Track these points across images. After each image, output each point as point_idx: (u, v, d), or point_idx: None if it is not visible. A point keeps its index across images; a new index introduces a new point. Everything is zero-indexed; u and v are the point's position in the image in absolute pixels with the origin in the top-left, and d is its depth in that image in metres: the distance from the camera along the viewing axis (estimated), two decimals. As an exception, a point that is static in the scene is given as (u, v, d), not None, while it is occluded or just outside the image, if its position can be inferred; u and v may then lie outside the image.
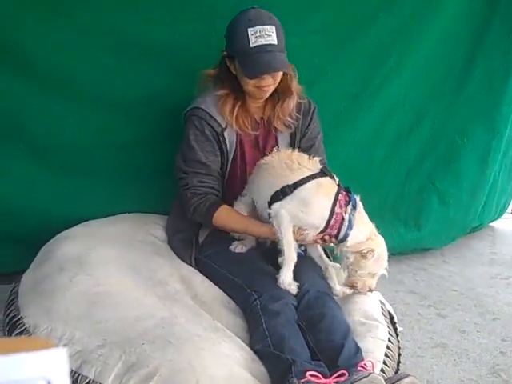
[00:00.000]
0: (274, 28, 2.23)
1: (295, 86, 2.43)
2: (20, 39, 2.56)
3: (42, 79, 2.65)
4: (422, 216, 3.65)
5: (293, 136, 2.51)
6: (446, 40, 3.37)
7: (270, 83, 2.32)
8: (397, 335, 2.32)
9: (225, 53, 2.35)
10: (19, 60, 2.59)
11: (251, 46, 2.20)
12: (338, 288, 2.38)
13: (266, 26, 2.21)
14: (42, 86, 2.65)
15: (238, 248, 2.43)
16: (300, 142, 2.53)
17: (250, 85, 2.31)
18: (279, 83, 2.38)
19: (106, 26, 2.64)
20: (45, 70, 2.64)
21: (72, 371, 1.80)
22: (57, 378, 0.66)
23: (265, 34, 2.20)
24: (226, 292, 2.30)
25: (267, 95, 2.39)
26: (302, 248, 2.38)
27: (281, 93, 2.43)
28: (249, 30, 2.20)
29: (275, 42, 2.22)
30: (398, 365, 2.18)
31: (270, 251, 2.38)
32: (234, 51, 2.29)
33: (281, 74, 2.34)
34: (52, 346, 0.67)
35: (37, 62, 2.61)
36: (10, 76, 2.59)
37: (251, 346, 1.99)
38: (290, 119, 2.47)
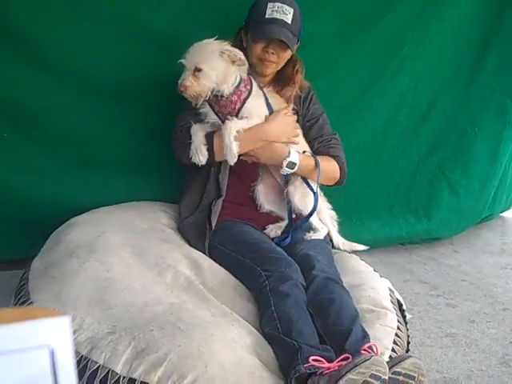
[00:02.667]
0: (292, 10, 2.42)
1: (299, 78, 2.57)
2: (32, 29, 2.57)
3: (54, 69, 2.66)
4: (432, 206, 3.64)
5: (296, 113, 2.58)
6: (460, 29, 3.35)
7: (273, 59, 2.47)
8: (406, 323, 2.31)
9: (243, 25, 2.52)
10: (31, 50, 2.60)
11: (266, 16, 2.40)
12: (335, 238, 2.56)
13: (285, 6, 2.40)
14: (54, 75, 2.66)
15: (272, 232, 2.52)
16: (303, 121, 2.63)
17: (255, 55, 2.46)
18: (284, 71, 2.56)
19: (118, 15, 2.65)
20: (57, 60, 2.65)
21: (82, 356, 1.81)
22: (60, 346, 0.65)
23: (282, 11, 2.39)
24: (236, 275, 2.31)
25: (268, 72, 2.52)
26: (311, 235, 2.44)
27: (283, 80, 2.58)
28: (269, 3, 2.40)
29: (289, 21, 2.40)
30: (407, 353, 2.17)
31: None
32: (250, 19, 2.47)
33: (285, 55, 2.49)
34: (55, 315, 0.66)
35: (48, 51, 2.62)
36: (22, 66, 2.60)
37: (261, 328, 2.00)
38: None
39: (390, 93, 3.28)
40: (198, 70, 2.26)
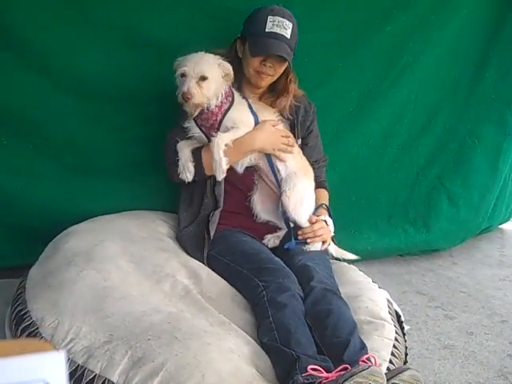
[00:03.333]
0: (291, 25, 2.44)
1: (293, 88, 2.60)
2: (33, 36, 2.57)
3: (54, 76, 2.66)
4: (431, 217, 3.63)
5: (291, 122, 2.64)
6: (460, 40, 3.36)
7: (269, 72, 2.48)
8: (404, 334, 2.31)
9: (238, 35, 2.52)
10: (31, 57, 2.60)
11: (266, 30, 2.40)
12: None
13: (285, 20, 2.42)
14: (54, 83, 2.67)
15: (270, 242, 2.53)
16: (302, 135, 2.68)
17: (251, 67, 2.47)
18: (278, 82, 2.58)
19: (119, 23, 2.66)
20: (57, 67, 2.65)
21: (78, 366, 1.80)
22: (55, 381, 0.66)
23: (282, 26, 2.40)
24: (234, 285, 2.31)
25: (263, 85, 2.54)
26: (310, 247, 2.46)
27: (277, 91, 2.60)
28: (269, 17, 2.41)
29: (288, 36, 2.41)
30: (404, 364, 2.16)
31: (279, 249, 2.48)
32: (249, 32, 2.47)
33: (282, 69, 2.51)
34: (51, 349, 0.67)
35: (49, 59, 2.63)
36: (22, 73, 2.60)
37: (259, 338, 2.00)
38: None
39: (390, 103, 3.29)
40: (203, 78, 2.28)
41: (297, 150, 2.58)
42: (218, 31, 2.75)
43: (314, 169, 2.64)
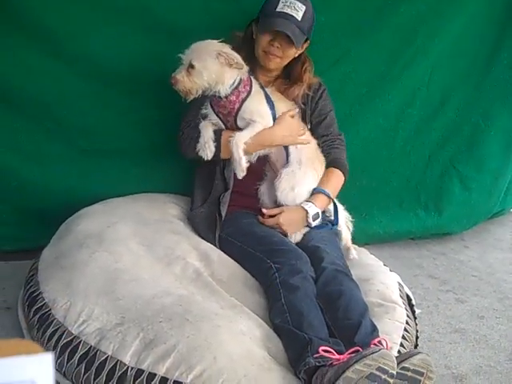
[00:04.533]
0: (304, 8, 2.42)
1: (307, 77, 2.58)
2: (45, 19, 2.56)
3: (66, 58, 2.65)
4: (443, 200, 3.60)
5: (303, 112, 2.61)
6: (475, 22, 3.29)
7: (277, 53, 2.46)
8: (415, 318, 2.31)
9: (255, 18, 2.52)
10: (44, 39, 2.60)
11: (277, 9, 2.40)
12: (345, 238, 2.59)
13: (297, 2, 2.42)
14: (67, 64, 2.66)
15: (293, 237, 2.45)
16: (311, 116, 2.63)
17: (260, 47, 2.47)
18: (292, 69, 2.58)
19: (131, 5, 2.64)
20: (69, 49, 2.64)
21: (91, 347, 1.83)
22: (43, 382, 0.67)
23: (293, 7, 2.40)
24: (246, 268, 2.31)
25: (272, 66, 2.52)
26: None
27: (291, 78, 2.59)
28: None
29: (298, 18, 2.40)
30: (415, 348, 2.17)
31: None
32: (261, 12, 2.47)
33: (291, 52, 2.48)
34: (39, 350, 0.68)
35: (62, 42, 2.62)
36: (34, 55, 2.60)
37: (271, 320, 2.01)
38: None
39: (402, 85, 3.24)
40: (191, 66, 2.28)
41: (312, 142, 2.56)
42: (231, 14, 2.73)
43: (323, 146, 2.60)
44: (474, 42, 3.35)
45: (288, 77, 2.61)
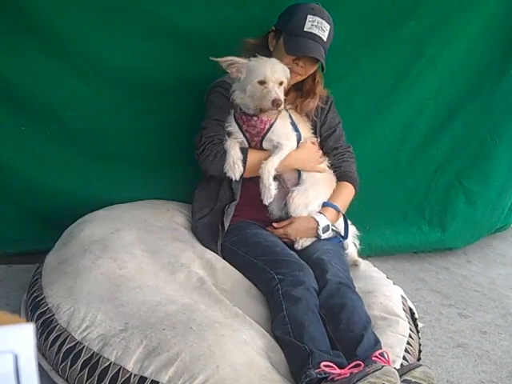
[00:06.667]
0: (329, 28, 2.45)
1: (320, 89, 2.59)
2: (51, 21, 2.57)
3: (73, 61, 2.66)
4: (447, 215, 3.59)
5: (314, 124, 2.63)
6: (484, 36, 3.29)
7: (300, 72, 2.47)
8: (417, 331, 2.30)
9: (273, 28, 2.50)
10: (51, 41, 2.61)
11: (305, 29, 2.39)
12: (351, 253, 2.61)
13: (324, 22, 2.42)
14: (74, 68, 2.67)
15: (299, 244, 2.48)
16: (321, 129, 2.66)
17: (283, 62, 2.40)
18: (304, 83, 2.57)
19: (140, 9, 2.65)
20: (77, 52, 2.65)
21: (94, 353, 1.82)
22: (23, 352, 0.67)
23: (321, 27, 2.40)
24: (249, 277, 2.31)
25: (292, 82, 2.50)
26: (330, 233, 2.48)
27: (305, 92, 2.60)
28: (309, 16, 2.40)
29: (325, 39, 2.42)
30: (418, 361, 2.16)
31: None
32: (286, 28, 2.44)
33: (312, 70, 2.50)
34: (20, 321, 0.69)
35: (68, 44, 2.63)
36: (41, 58, 2.61)
37: (272, 331, 2.00)
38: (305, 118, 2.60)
39: (410, 98, 3.25)
40: (281, 83, 2.31)
41: (325, 162, 2.60)
42: (237, 20, 2.74)
43: (333, 159, 2.63)
44: (482, 56, 3.35)
45: (299, 89, 2.61)
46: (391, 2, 3.00)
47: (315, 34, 2.39)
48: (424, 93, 3.28)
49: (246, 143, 2.46)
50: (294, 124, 2.43)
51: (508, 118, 3.51)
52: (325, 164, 2.58)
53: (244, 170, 2.41)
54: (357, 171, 2.69)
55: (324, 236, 2.44)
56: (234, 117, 2.45)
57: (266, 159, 2.41)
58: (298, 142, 2.50)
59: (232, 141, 2.43)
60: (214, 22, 2.73)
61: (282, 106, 2.31)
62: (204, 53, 2.67)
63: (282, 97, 2.28)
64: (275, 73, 2.28)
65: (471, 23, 3.21)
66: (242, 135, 2.45)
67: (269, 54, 2.48)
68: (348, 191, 2.63)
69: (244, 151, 2.43)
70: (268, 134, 2.42)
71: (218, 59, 2.31)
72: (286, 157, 2.44)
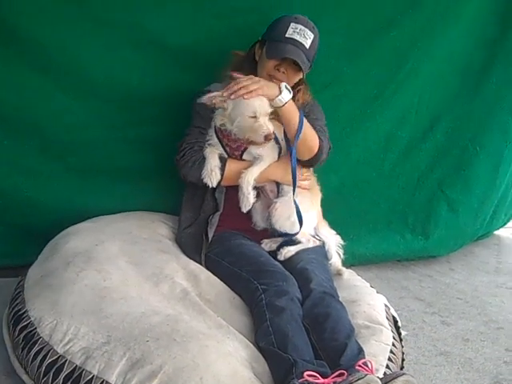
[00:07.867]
0: (312, 36, 2.45)
1: (300, 97, 2.59)
2: (34, 34, 2.56)
3: (56, 74, 2.65)
4: (430, 223, 3.63)
5: None
6: (464, 47, 3.35)
7: (282, 78, 2.45)
8: (401, 340, 2.31)
9: (259, 38, 2.52)
10: (34, 54, 2.59)
11: (286, 35, 2.41)
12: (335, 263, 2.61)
13: (307, 30, 2.43)
14: (56, 80, 2.66)
15: (267, 246, 2.54)
16: None
17: (265, 71, 2.46)
18: None
19: (122, 21, 2.65)
20: (59, 65, 2.64)
21: (76, 366, 1.80)
22: None
23: (303, 34, 2.41)
24: (233, 288, 2.31)
25: None
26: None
27: None
28: (292, 23, 2.42)
29: (307, 46, 2.42)
30: (401, 370, 2.16)
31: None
32: (269, 35, 2.46)
33: (295, 77, 2.50)
34: None
35: (51, 57, 2.62)
36: (24, 70, 2.59)
37: (256, 342, 2.00)
38: None
39: (393, 107, 3.29)
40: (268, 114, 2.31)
41: (311, 175, 2.62)
42: (222, 30, 2.75)
43: None
44: (463, 66, 3.40)
45: None
46: (373, 13, 3.04)
47: (296, 40, 2.40)
48: (406, 102, 3.32)
49: (226, 154, 2.47)
50: (275, 136, 2.43)
51: (488, 127, 3.57)
52: (308, 182, 2.59)
53: (221, 177, 2.42)
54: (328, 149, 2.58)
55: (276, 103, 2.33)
56: (215, 130, 2.46)
57: (246, 169, 2.42)
58: (279, 154, 2.50)
59: (212, 149, 2.45)
60: (199, 34, 2.73)
61: (273, 137, 2.32)
62: (189, 65, 2.71)
63: (272, 129, 2.30)
64: (265, 106, 2.29)
65: (451, 34, 3.26)
66: (222, 149, 2.47)
67: (255, 66, 2.51)
68: (313, 133, 2.46)
69: (222, 159, 2.44)
70: (248, 148, 2.43)
71: (203, 101, 2.31)
72: (267, 168, 2.45)
